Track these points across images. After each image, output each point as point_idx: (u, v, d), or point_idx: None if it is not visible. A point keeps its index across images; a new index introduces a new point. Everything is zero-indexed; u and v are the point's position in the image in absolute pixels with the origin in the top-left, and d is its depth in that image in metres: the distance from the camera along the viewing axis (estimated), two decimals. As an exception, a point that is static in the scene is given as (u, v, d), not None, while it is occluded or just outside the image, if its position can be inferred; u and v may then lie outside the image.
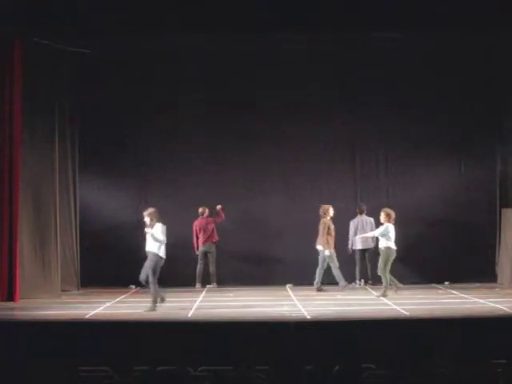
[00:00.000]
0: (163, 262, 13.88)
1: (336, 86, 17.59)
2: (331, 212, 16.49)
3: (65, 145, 16.81)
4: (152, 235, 13.68)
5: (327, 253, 16.17)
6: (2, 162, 15.05)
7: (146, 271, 13.84)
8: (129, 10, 14.27)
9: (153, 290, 13.76)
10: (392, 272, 17.05)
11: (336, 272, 16.29)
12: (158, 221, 13.84)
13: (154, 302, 13.73)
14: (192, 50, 16.70)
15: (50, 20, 14.46)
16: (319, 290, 16.23)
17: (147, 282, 13.82)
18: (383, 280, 15.44)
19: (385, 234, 15.50)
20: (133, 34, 15.11)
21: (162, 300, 13.87)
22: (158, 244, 13.70)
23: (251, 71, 17.52)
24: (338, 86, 17.60)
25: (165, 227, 13.87)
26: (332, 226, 16.36)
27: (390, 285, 15.49)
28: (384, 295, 15.22)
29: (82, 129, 17.28)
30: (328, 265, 16.27)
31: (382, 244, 15.53)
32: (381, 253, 15.51)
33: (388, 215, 15.59)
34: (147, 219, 13.87)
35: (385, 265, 15.40)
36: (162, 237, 13.71)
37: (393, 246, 15.51)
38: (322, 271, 16.34)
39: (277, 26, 14.58)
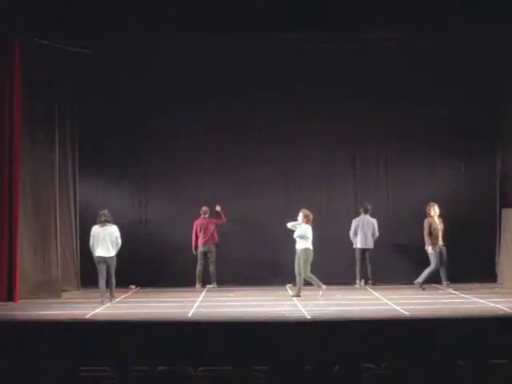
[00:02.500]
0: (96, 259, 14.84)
1: (336, 86, 17.58)
2: (434, 210, 16.36)
3: (65, 145, 16.81)
4: None
5: (429, 251, 16.23)
6: (1, 162, 15.04)
7: None
8: (129, 10, 14.27)
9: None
10: (392, 271, 17.12)
11: (427, 271, 16.16)
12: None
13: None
14: (192, 50, 16.68)
15: (50, 20, 14.45)
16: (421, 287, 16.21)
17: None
18: (298, 280, 15.38)
19: (303, 236, 15.39)
20: (133, 33, 15.10)
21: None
22: None
23: (251, 71, 17.51)
24: (338, 86, 17.59)
25: (93, 228, 14.93)
26: (435, 225, 16.29)
27: (312, 285, 15.38)
28: (297, 295, 15.21)
29: (82, 129, 17.28)
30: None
31: (300, 246, 15.42)
32: (300, 254, 15.37)
33: (306, 216, 15.51)
34: None
35: (305, 266, 15.28)
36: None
37: (310, 246, 15.43)
38: (430, 271, 16.23)
39: (277, 26, 14.58)
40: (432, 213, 16.42)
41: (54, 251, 15.99)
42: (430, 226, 16.32)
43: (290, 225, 15.61)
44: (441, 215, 16.52)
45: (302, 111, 17.70)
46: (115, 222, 14.97)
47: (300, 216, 15.57)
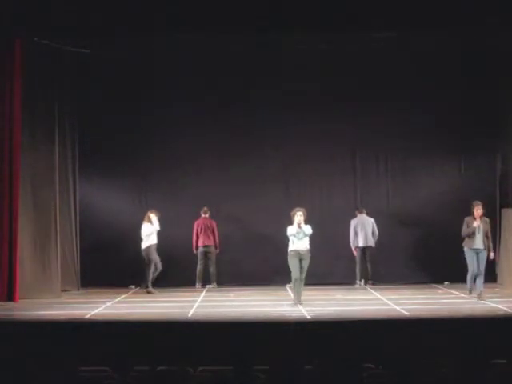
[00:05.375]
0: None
1: (336, 86, 17.59)
2: (476, 210, 14.89)
3: (65, 145, 16.82)
4: None
5: (465, 251, 14.97)
6: (2, 161, 15.05)
7: None
8: (128, 10, 14.27)
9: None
10: (392, 271, 17.12)
11: (467, 277, 15.03)
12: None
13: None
14: (192, 50, 16.69)
15: (50, 20, 14.45)
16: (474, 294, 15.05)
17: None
18: (301, 284, 14.65)
19: (309, 235, 14.67)
20: (133, 33, 15.11)
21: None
22: None
23: (251, 71, 17.52)
24: (338, 86, 17.60)
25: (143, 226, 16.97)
26: (473, 225, 14.78)
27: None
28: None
29: (82, 129, 17.29)
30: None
31: (307, 245, 14.64)
32: (307, 256, 14.59)
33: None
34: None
35: None
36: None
37: None
38: (468, 277, 14.99)
39: (277, 26, 14.58)
40: (475, 213, 14.96)
41: (54, 251, 16.00)
42: (467, 224, 14.92)
43: (293, 231, 14.67)
44: (484, 215, 15.03)
45: (302, 111, 17.69)
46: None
47: (302, 216, 14.70)
